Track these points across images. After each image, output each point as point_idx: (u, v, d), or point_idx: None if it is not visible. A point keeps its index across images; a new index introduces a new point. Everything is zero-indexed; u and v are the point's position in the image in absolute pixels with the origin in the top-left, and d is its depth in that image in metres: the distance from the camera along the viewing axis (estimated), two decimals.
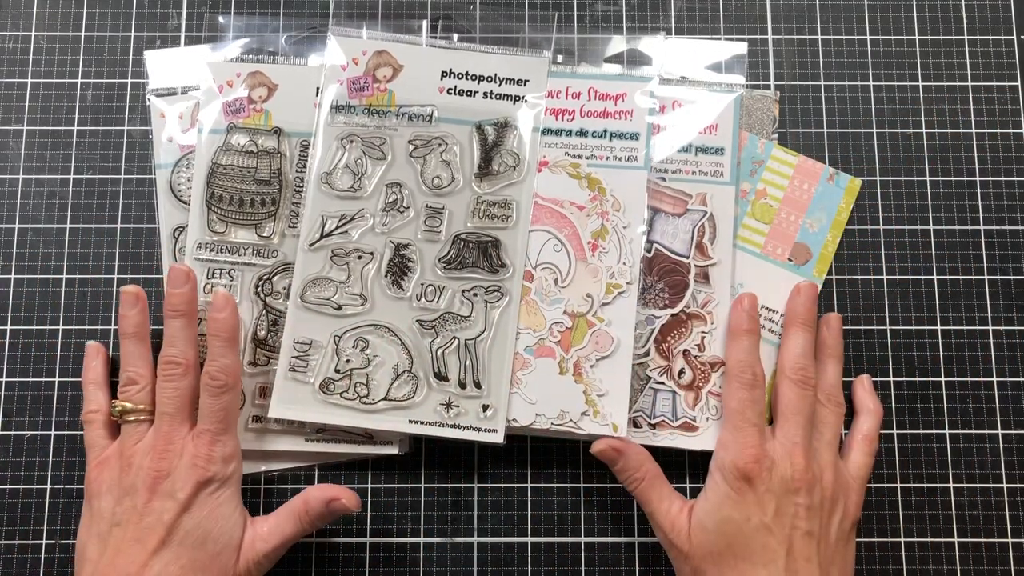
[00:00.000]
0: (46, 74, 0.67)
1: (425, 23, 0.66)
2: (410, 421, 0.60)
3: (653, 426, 0.62)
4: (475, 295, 0.61)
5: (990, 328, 0.65)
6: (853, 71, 0.67)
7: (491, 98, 0.63)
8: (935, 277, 0.65)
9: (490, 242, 0.62)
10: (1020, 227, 0.66)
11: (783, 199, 0.65)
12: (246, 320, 0.62)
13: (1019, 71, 0.67)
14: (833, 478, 0.57)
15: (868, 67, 0.67)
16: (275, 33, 0.66)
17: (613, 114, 0.63)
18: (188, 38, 0.68)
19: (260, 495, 0.63)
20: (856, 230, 0.65)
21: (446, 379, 0.61)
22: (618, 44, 0.67)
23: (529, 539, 0.63)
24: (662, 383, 0.62)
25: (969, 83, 0.67)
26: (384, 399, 0.60)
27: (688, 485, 0.63)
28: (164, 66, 0.66)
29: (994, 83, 0.67)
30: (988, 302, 0.65)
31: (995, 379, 0.64)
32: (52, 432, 0.63)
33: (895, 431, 0.64)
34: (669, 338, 0.62)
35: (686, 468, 0.63)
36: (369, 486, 0.63)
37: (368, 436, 0.62)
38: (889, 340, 0.65)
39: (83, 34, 0.67)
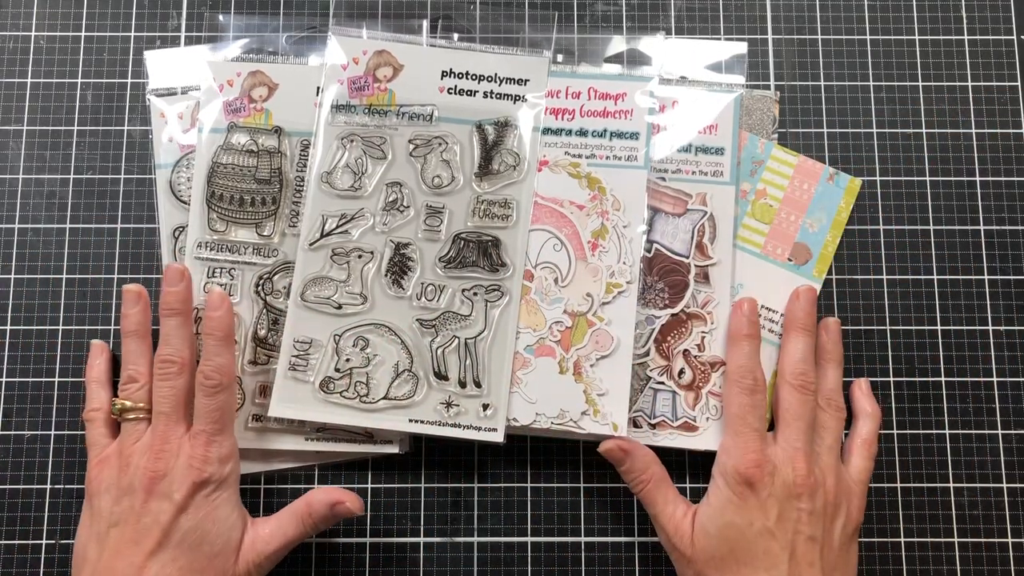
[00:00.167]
0: (46, 74, 0.67)
1: (425, 23, 0.66)
2: (410, 420, 0.60)
3: (653, 426, 0.62)
4: (475, 294, 0.61)
5: (990, 328, 0.65)
6: (853, 71, 0.67)
7: (491, 98, 0.63)
8: (935, 277, 0.65)
9: (490, 241, 0.62)
10: (1020, 227, 0.66)
11: (783, 199, 0.65)
12: (246, 319, 0.62)
13: (1019, 71, 0.67)
14: (835, 483, 0.57)
15: (868, 67, 0.67)
16: (275, 33, 0.66)
17: (613, 114, 0.63)
18: (188, 38, 0.68)
19: (260, 495, 0.63)
20: (856, 230, 0.65)
21: (446, 378, 0.61)
22: (618, 44, 0.67)
23: (529, 539, 0.63)
24: (662, 383, 0.62)
25: (969, 83, 0.67)
26: (384, 398, 0.60)
27: (688, 485, 0.63)
28: (164, 66, 0.66)
29: (994, 83, 0.67)
30: (988, 302, 0.65)
31: (995, 379, 0.64)
32: (52, 432, 0.63)
33: (895, 431, 0.64)
34: (669, 338, 0.62)
35: (686, 468, 0.63)
36: (369, 486, 0.63)
37: (368, 435, 0.62)
38: (889, 340, 0.65)
39: (83, 34, 0.68)
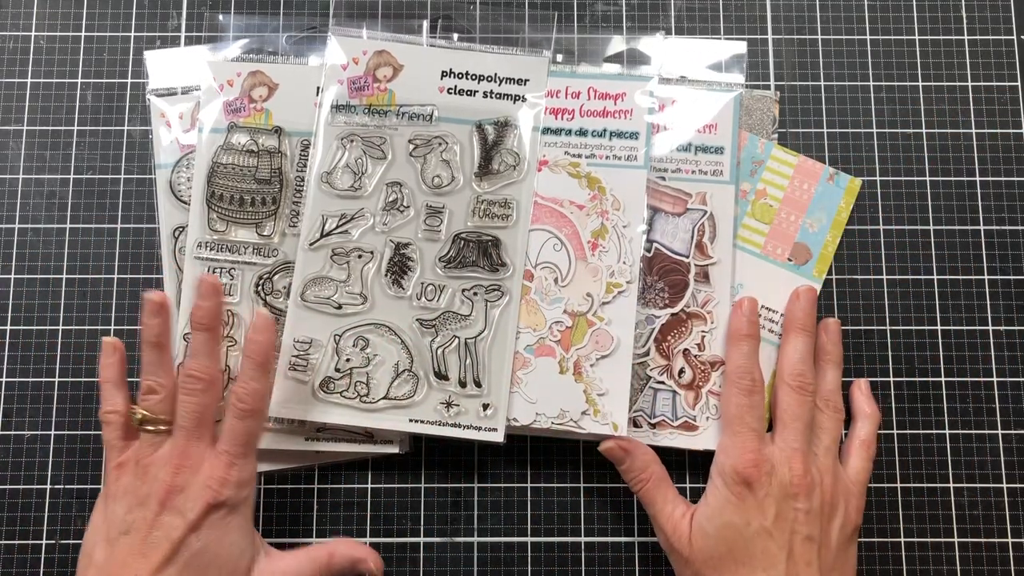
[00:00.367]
0: (46, 74, 0.67)
1: (425, 23, 0.66)
2: (410, 420, 0.60)
3: (653, 425, 0.62)
4: (475, 294, 0.61)
5: (990, 328, 0.65)
6: (853, 71, 0.67)
7: (491, 97, 0.63)
8: (935, 277, 0.65)
9: (490, 241, 0.62)
10: (1020, 227, 0.66)
11: (783, 199, 0.65)
12: (246, 319, 0.62)
13: (1019, 71, 0.67)
14: (832, 483, 0.57)
15: (868, 67, 0.67)
16: (275, 33, 0.66)
17: (613, 113, 0.63)
18: (188, 38, 0.68)
19: (260, 495, 0.63)
20: (856, 230, 0.65)
21: (446, 378, 0.61)
22: (618, 44, 0.67)
23: (529, 539, 0.63)
24: (662, 382, 0.62)
25: (969, 83, 0.67)
26: (384, 398, 0.60)
27: (688, 485, 0.63)
28: (164, 66, 0.66)
29: (994, 83, 0.67)
30: (988, 302, 0.65)
31: (995, 379, 0.64)
32: (52, 432, 0.63)
33: (895, 431, 0.64)
34: (669, 337, 0.62)
35: (686, 468, 0.63)
36: (369, 486, 0.63)
37: (368, 435, 0.62)
38: (889, 340, 0.65)
39: (83, 34, 0.68)
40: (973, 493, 0.63)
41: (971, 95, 0.67)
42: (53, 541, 0.62)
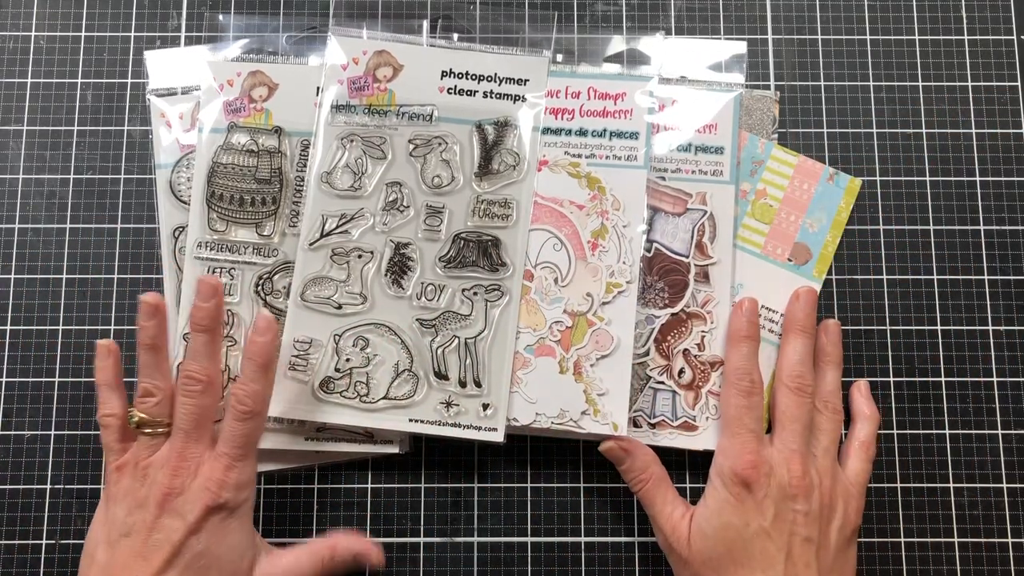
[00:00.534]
0: (46, 74, 0.67)
1: (425, 23, 0.66)
2: (410, 420, 0.60)
3: (653, 426, 0.62)
4: (475, 294, 0.61)
5: (990, 328, 0.65)
6: (853, 71, 0.67)
7: (491, 97, 0.63)
8: (935, 277, 0.65)
9: (490, 241, 0.62)
10: (1020, 227, 0.66)
11: (783, 199, 0.65)
12: (246, 319, 0.62)
13: (1019, 71, 0.67)
14: (831, 484, 0.57)
15: (868, 67, 0.67)
16: (275, 33, 0.66)
17: (613, 113, 0.63)
18: (188, 38, 0.68)
19: (260, 495, 0.63)
20: (856, 230, 0.65)
21: (446, 378, 0.61)
22: (618, 44, 0.67)
23: (529, 539, 0.63)
24: (662, 383, 0.62)
25: (969, 83, 0.67)
26: (384, 398, 0.60)
27: (688, 485, 0.63)
28: (164, 66, 0.66)
29: (994, 83, 0.67)
30: (988, 302, 0.65)
31: (995, 379, 0.64)
32: (52, 432, 0.63)
33: (895, 431, 0.64)
34: (669, 337, 0.62)
35: (686, 468, 0.63)
36: (369, 486, 0.63)
37: (368, 435, 0.62)
38: (889, 340, 0.65)
39: (83, 34, 0.68)
40: (973, 493, 0.63)
41: (971, 95, 0.67)
42: (53, 541, 0.62)
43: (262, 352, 0.57)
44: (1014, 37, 0.68)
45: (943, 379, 0.64)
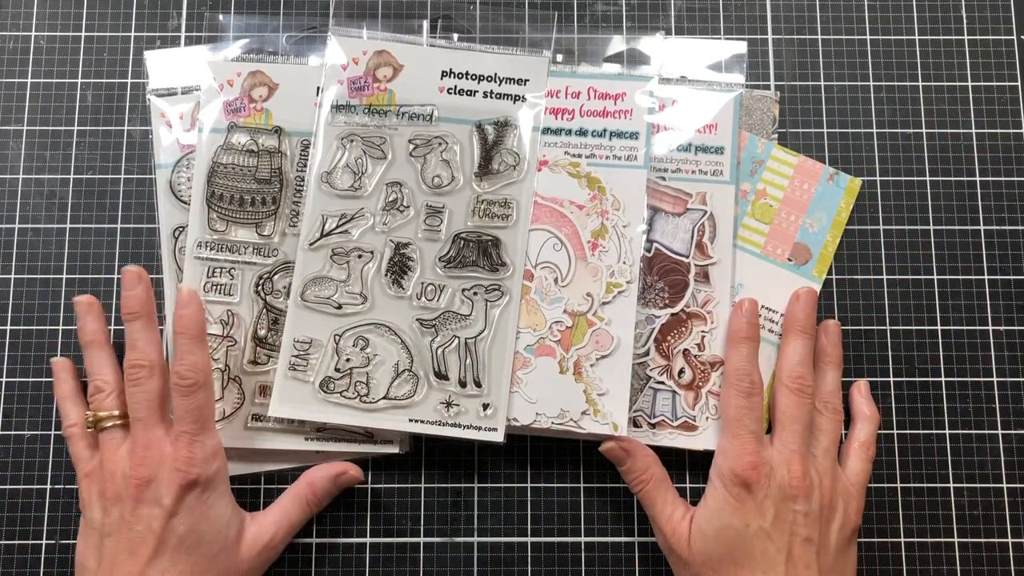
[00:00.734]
0: (46, 74, 0.67)
1: (425, 23, 0.66)
2: (410, 420, 0.60)
3: (653, 426, 0.62)
4: (475, 294, 0.61)
5: (990, 328, 0.65)
6: (853, 71, 0.67)
7: (491, 97, 0.63)
8: (935, 277, 0.65)
9: (490, 241, 0.62)
10: (1020, 227, 0.66)
11: (783, 199, 0.65)
12: (246, 319, 0.62)
13: (1019, 71, 0.67)
14: (831, 485, 0.57)
15: (868, 67, 0.67)
16: (275, 33, 0.66)
17: (613, 113, 0.63)
18: (188, 38, 0.68)
19: (260, 495, 0.63)
20: (856, 230, 0.65)
21: (446, 378, 0.61)
22: (618, 44, 0.67)
23: (529, 539, 0.63)
24: (662, 383, 0.62)
25: (969, 83, 0.67)
26: (384, 398, 0.60)
27: (688, 485, 0.63)
28: (164, 66, 0.66)
29: (994, 83, 0.67)
30: (988, 302, 0.65)
31: (995, 379, 0.64)
32: (52, 432, 0.63)
33: (895, 431, 0.64)
34: (669, 337, 0.62)
35: (686, 468, 0.63)
36: (369, 486, 0.63)
37: (368, 435, 0.62)
38: (889, 340, 0.65)
39: (83, 34, 0.68)
40: (973, 493, 0.63)
41: (971, 95, 0.67)
42: (53, 541, 0.62)
43: (190, 324, 0.58)
44: (1014, 37, 0.68)
45: (943, 379, 0.64)
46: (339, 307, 0.61)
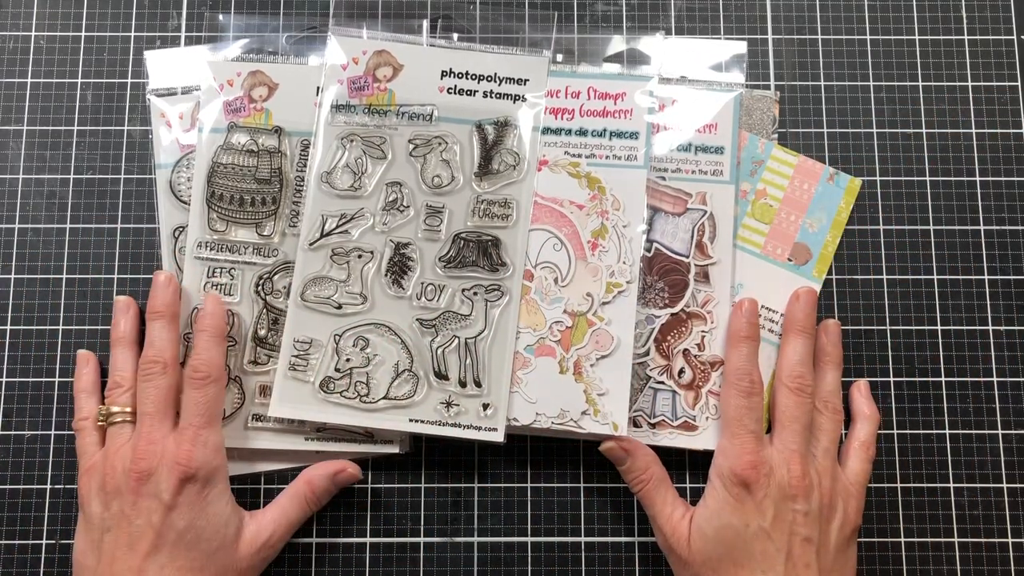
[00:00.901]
0: (46, 74, 0.67)
1: (425, 23, 0.66)
2: (410, 420, 0.60)
3: (653, 425, 0.62)
4: (475, 294, 0.61)
5: (990, 328, 0.65)
6: (853, 71, 0.67)
7: (491, 97, 0.63)
8: (935, 277, 0.65)
9: (490, 241, 0.62)
10: (1020, 227, 0.66)
11: (783, 199, 0.65)
12: (246, 319, 0.62)
13: (1019, 71, 0.67)
14: (831, 484, 0.57)
15: (868, 67, 0.67)
16: (275, 33, 0.66)
17: (613, 113, 0.63)
18: (188, 38, 0.68)
19: (260, 495, 0.63)
20: (856, 230, 0.65)
21: (446, 378, 0.61)
22: (618, 44, 0.67)
23: (529, 539, 0.63)
24: (662, 382, 0.62)
25: (969, 83, 0.67)
26: (384, 398, 0.60)
27: (688, 485, 0.63)
28: (164, 66, 0.66)
29: (994, 83, 0.67)
30: (988, 302, 0.65)
31: (995, 379, 0.64)
32: (52, 432, 0.63)
33: (895, 431, 0.64)
34: (669, 337, 0.62)
35: (686, 468, 0.63)
36: (369, 486, 0.63)
37: (368, 435, 0.62)
38: (889, 340, 0.65)
39: (83, 34, 0.68)
40: (973, 493, 0.63)
41: (971, 95, 0.67)
42: (53, 541, 0.62)
43: (212, 324, 0.59)
44: (1014, 37, 0.68)
45: (943, 379, 0.64)
46: (339, 307, 0.61)
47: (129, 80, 0.67)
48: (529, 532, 0.63)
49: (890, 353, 0.64)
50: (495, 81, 0.63)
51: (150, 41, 0.68)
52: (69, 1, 0.68)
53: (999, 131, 0.67)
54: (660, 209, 0.63)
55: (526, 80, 0.64)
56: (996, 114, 0.67)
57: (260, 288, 0.62)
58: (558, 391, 0.60)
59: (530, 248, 0.62)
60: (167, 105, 0.65)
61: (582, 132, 0.63)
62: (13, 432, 0.63)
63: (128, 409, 0.58)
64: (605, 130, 0.63)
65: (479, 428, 0.60)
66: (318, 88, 0.64)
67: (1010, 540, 0.63)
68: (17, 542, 0.62)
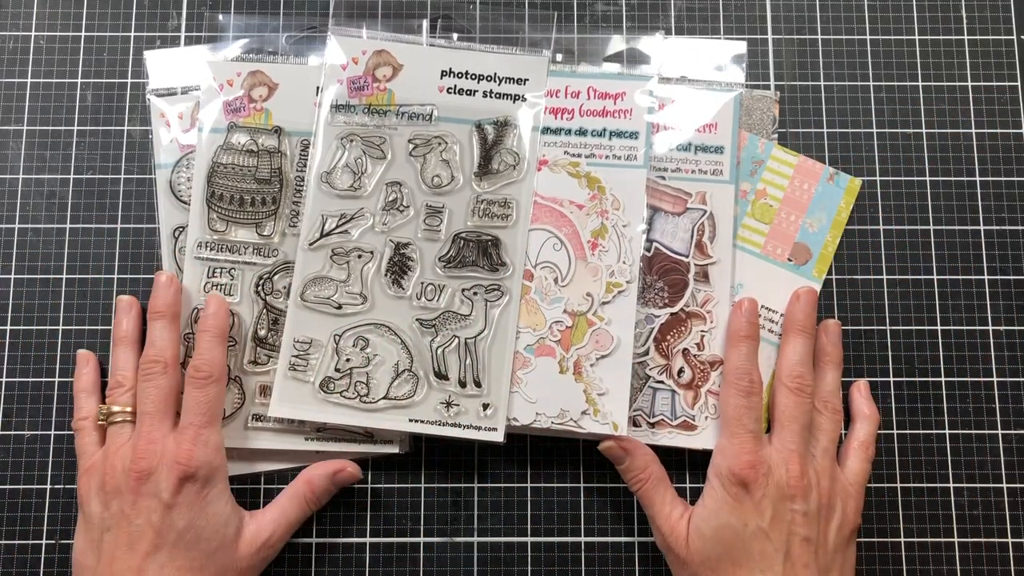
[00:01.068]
0: (46, 74, 0.67)
1: (425, 23, 0.66)
2: (410, 420, 0.60)
3: (652, 425, 0.62)
4: (475, 294, 0.61)
5: (990, 328, 0.65)
6: (853, 71, 0.67)
7: (491, 97, 0.63)
8: (935, 277, 0.65)
9: (490, 241, 0.62)
10: (1020, 227, 0.66)
11: (783, 199, 0.65)
12: (246, 319, 0.62)
13: (1019, 71, 0.67)
14: (829, 484, 0.57)
15: (868, 67, 0.67)
16: (275, 33, 0.66)
17: (612, 113, 0.63)
18: (188, 38, 0.68)
19: (260, 495, 0.63)
20: (856, 230, 0.65)
21: (446, 378, 0.61)
22: (618, 43, 0.67)
23: (529, 539, 0.63)
24: (661, 382, 0.62)
25: (969, 83, 0.67)
26: (384, 398, 0.60)
27: (687, 485, 0.63)
28: (164, 66, 0.66)
29: (994, 83, 0.67)
30: (988, 302, 0.65)
31: (995, 379, 0.64)
32: (52, 432, 0.63)
33: (895, 431, 0.64)
34: (668, 337, 0.62)
35: (685, 467, 0.63)
36: (369, 486, 0.63)
37: (368, 435, 0.62)
38: (889, 340, 0.65)
39: (83, 34, 0.68)
40: (973, 493, 0.63)
41: (971, 95, 0.67)
42: (53, 541, 0.62)
43: (214, 324, 0.59)
44: (1014, 37, 0.68)
45: (943, 379, 0.64)
46: (339, 307, 0.61)
47: (129, 80, 0.67)
48: (529, 532, 0.63)
49: (890, 353, 0.64)
50: (495, 81, 0.63)
51: (150, 41, 0.68)
52: (69, 1, 0.68)
53: (999, 131, 0.67)
54: (660, 209, 0.63)
55: (526, 80, 0.64)
56: (996, 114, 0.67)
57: (260, 288, 0.62)
58: (558, 391, 0.60)
59: (530, 248, 0.62)
60: (167, 105, 0.65)
61: (582, 132, 0.63)
62: (13, 432, 0.63)
63: (128, 409, 0.58)
64: (605, 130, 0.63)
65: (479, 428, 0.60)
66: (318, 88, 0.64)
67: (1010, 540, 0.63)
68: (17, 542, 0.62)
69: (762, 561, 0.54)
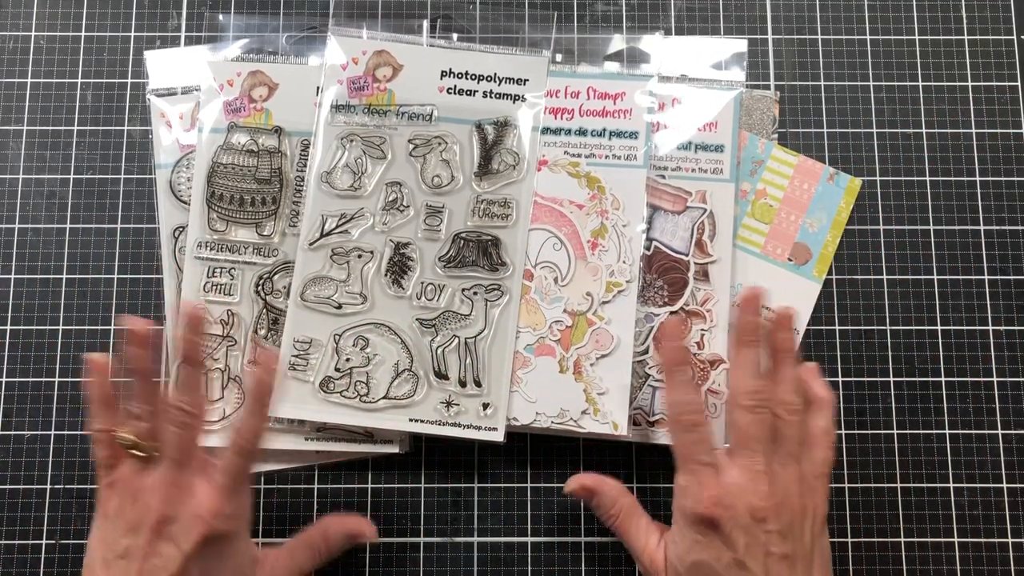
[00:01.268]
0: (46, 74, 0.67)
1: (425, 23, 0.66)
2: (410, 420, 0.60)
3: (652, 424, 0.62)
4: (475, 294, 0.61)
5: (990, 328, 0.65)
6: (853, 71, 0.67)
7: (491, 97, 0.63)
8: (935, 277, 0.65)
9: (490, 241, 0.62)
10: (1020, 227, 0.66)
11: (783, 199, 0.65)
12: (246, 319, 0.62)
13: (1019, 71, 0.67)
14: (798, 490, 0.54)
15: (868, 67, 0.67)
16: (275, 33, 0.66)
17: (612, 113, 0.63)
18: (188, 38, 0.68)
19: (260, 495, 0.63)
20: (856, 230, 0.65)
21: (446, 377, 0.61)
22: (618, 43, 0.67)
23: (529, 539, 0.63)
24: (661, 381, 0.62)
25: (969, 83, 0.67)
26: (384, 398, 0.60)
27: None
28: (164, 66, 0.66)
29: (994, 83, 0.67)
30: (988, 302, 0.65)
31: (995, 379, 0.64)
32: (52, 432, 0.63)
33: (895, 431, 0.64)
34: None
35: None
36: (369, 486, 0.63)
37: (368, 435, 0.62)
38: (889, 340, 0.65)
39: (83, 34, 0.68)
40: (973, 493, 0.63)
41: (971, 95, 0.67)
42: (53, 541, 0.62)
43: (266, 390, 0.55)
44: (1014, 37, 0.68)
45: (943, 379, 0.64)
46: (339, 307, 0.61)
47: (129, 80, 0.67)
48: (529, 532, 0.63)
49: (890, 353, 0.64)
50: (495, 81, 0.64)
51: (150, 41, 0.68)
52: (69, 1, 0.68)
53: (999, 131, 0.67)
54: (660, 207, 0.63)
55: (526, 80, 0.64)
56: (996, 114, 0.67)
57: (260, 288, 0.62)
58: (558, 390, 0.60)
59: (530, 248, 0.62)
60: (167, 105, 0.65)
61: (582, 132, 0.63)
62: (13, 432, 0.63)
63: (150, 444, 0.54)
64: (605, 130, 0.63)
65: (479, 428, 0.60)
66: (318, 88, 0.64)
67: (1010, 540, 0.62)
68: (17, 542, 0.62)
69: None
